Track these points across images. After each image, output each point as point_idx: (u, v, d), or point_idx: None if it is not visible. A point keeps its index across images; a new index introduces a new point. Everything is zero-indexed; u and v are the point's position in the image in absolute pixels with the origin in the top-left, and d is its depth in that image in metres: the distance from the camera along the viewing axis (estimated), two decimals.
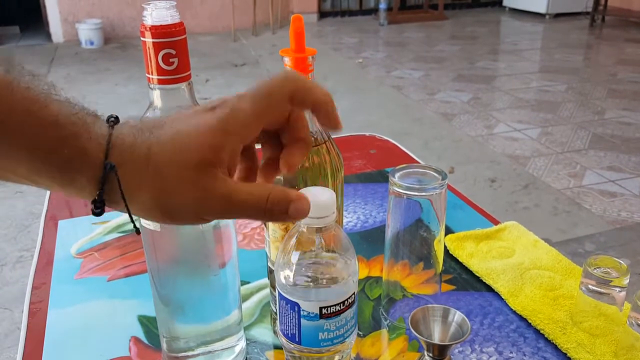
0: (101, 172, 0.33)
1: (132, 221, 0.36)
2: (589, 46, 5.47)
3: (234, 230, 0.54)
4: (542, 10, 6.43)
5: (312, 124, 0.53)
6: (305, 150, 0.40)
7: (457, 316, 0.50)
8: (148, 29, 0.44)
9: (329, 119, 0.39)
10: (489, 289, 0.70)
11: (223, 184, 0.35)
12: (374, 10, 6.71)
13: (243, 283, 0.70)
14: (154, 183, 0.34)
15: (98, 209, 0.34)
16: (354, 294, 0.47)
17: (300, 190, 0.44)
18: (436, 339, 0.49)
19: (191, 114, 0.36)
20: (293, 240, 0.46)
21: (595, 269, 0.59)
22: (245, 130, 0.36)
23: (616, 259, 0.59)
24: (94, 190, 0.34)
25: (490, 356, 0.59)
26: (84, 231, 0.83)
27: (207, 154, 0.35)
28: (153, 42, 0.45)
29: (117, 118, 0.36)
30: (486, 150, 3.03)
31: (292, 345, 0.48)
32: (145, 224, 0.50)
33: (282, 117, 0.38)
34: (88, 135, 0.33)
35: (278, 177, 0.53)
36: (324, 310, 0.45)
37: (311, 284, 0.46)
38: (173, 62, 0.45)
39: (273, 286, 0.59)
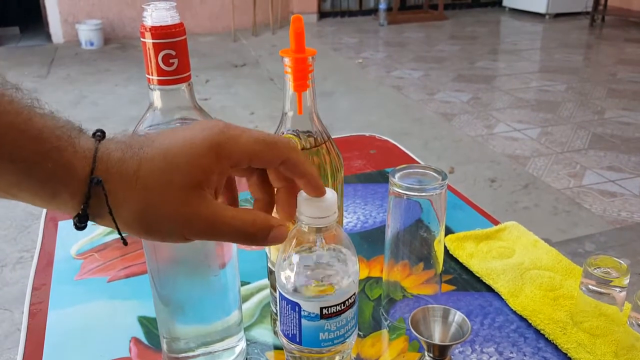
0: (86, 186, 0.33)
1: (120, 234, 0.36)
2: (589, 46, 5.47)
3: None
4: (542, 10, 6.43)
5: (312, 124, 0.54)
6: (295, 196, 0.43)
7: (457, 316, 0.50)
8: (148, 29, 0.44)
9: (313, 189, 0.42)
10: (489, 289, 0.70)
11: (210, 205, 0.36)
12: (374, 11, 6.71)
13: (243, 284, 0.70)
14: (141, 199, 0.34)
15: (82, 223, 0.34)
16: (354, 294, 0.47)
17: (301, 191, 0.44)
18: (436, 339, 0.49)
19: (184, 132, 0.36)
20: (293, 241, 0.46)
21: (595, 269, 0.59)
22: (237, 160, 0.37)
23: (616, 259, 0.59)
24: (78, 205, 0.34)
25: (490, 356, 0.59)
26: (83, 232, 0.83)
27: (198, 174, 0.35)
28: (153, 43, 0.45)
29: (103, 133, 0.35)
30: (486, 150, 3.03)
31: (292, 346, 0.48)
32: None
33: (271, 165, 0.40)
34: (73, 149, 0.33)
35: None
36: (324, 311, 0.45)
37: (312, 284, 0.46)
38: (173, 63, 0.45)
39: (273, 287, 0.59)
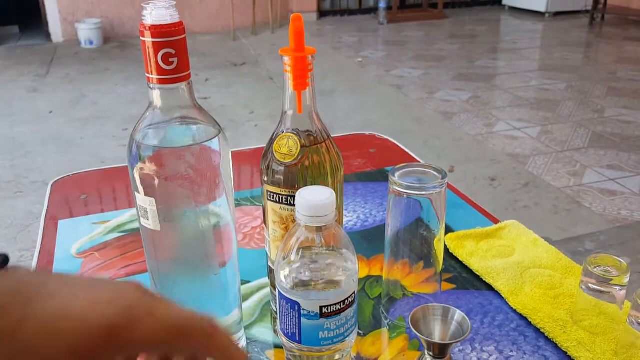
0: None
1: None
2: (589, 44, 5.47)
3: (234, 230, 0.54)
4: (542, 8, 6.42)
5: (312, 123, 0.54)
6: None
7: (457, 315, 0.50)
8: (148, 28, 0.44)
9: None
10: (489, 287, 0.70)
11: None
12: (374, 9, 6.71)
13: (243, 282, 0.70)
14: None
15: None
16: (354, 293, 0.47)
17: (300, 190, 0.45)
18: (436, 337, 0.49)
19: (85, 296, 0.31)
20: (293, 240, 0.46)
21: (595, 267, 0.59)
22: (134, 350, 0.32)
23: (616, 258, 0.59)
24: None
25: (490, 355, 0.59)
26: (84, 231, 0.83)
27: (86, 348, 0.30)
28: (153, 42, 0.45)
29: (6, 259, 0.31)
30: (486, 149, 3.03)
31: (292, 345, 0.48)
32: (145, 223, 0.50)
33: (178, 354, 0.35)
34: None
35: (278, 176, 0.53)
36: (324, 310, 0.45)
37: (311, 283, 0.46)
38: (173, 62, 0.45)
39: (273, 285, 0.59)
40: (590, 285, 0.59)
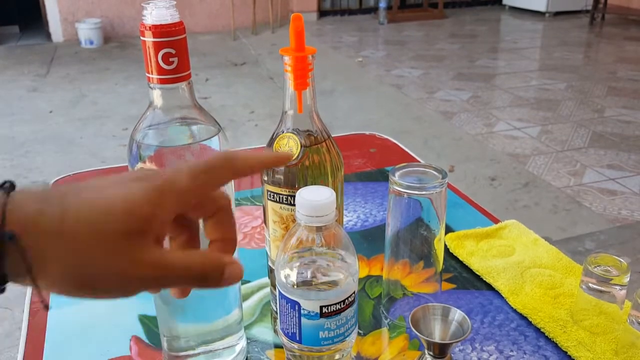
0: None
1: (41, 295, 0.31)
2: (589, 44, 5.47)
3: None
4: (542, 8, 6.42)
5: (313, 123, 0.54)
6: (233, 250, 0.38)
7: (457, 315, 0.50)
8: (148, 28, 0.44)
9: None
10: (490, 287, 0.70)
11: (152, 251, 0.32)
12: (374, 9, 6.70)
13: (243, 282, 0.70)
14: (70, 254, 0.30)
15: (1, 287, 0.30)
16: (354, 292, 0.47)
17: (301, 189, 0.45)
18: (437, 337, 0.49)
19: (115, 182, 0.33)
20: (293, 239, 0.46)
21: (595, 267, 0.59)
22: (178, 203, 0.34)
23: (616, 257, 0.59)
24: None
25: (490, 354, 0.59)
26: None
27: (134, 222, 0.31)
28: (153, 42, 0.45)
29: (12, 184, 0.31)
30: (486, 148, 3.03)
31: (292, 344, 0.48)
32: None
33: (213, 202, 0.37)
34: None
35: (278, 175, 0.53)
36: (324, 309, 0.45)
37: (312, 283, 0.46)
38: (173, 62, 0.45)
39: (273, 285, 0.59)
40: (590, 284, 0.59)
